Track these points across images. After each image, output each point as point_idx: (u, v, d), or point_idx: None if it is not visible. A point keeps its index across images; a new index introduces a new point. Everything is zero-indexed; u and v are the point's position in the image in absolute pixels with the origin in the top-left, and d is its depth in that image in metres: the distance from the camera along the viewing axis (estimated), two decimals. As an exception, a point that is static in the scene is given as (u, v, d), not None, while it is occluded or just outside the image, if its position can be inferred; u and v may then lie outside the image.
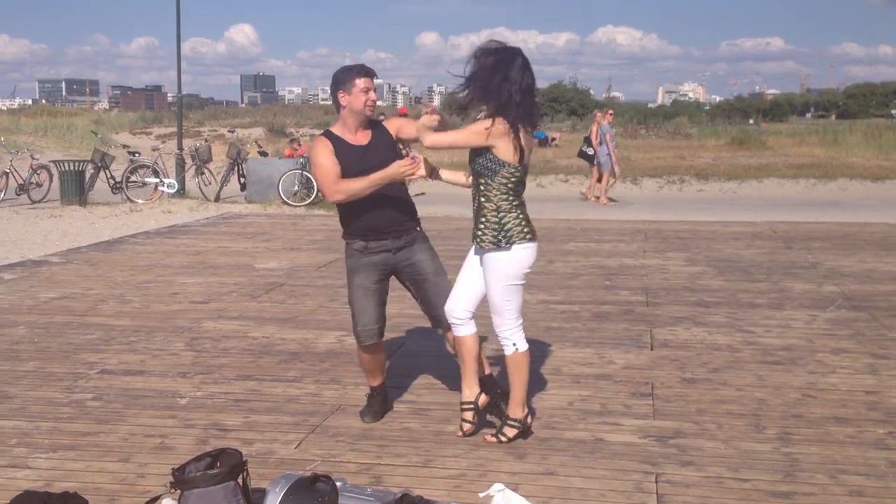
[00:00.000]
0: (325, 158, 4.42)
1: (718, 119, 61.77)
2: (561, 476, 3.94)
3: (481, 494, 3.60)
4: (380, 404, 4.73)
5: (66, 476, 3.94)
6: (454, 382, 5.19)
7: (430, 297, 4.55)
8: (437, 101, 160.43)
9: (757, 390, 5.20)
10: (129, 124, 43.55)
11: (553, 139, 35.71)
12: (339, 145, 4.44)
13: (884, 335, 6.49)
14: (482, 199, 4.20)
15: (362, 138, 4.49)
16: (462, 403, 4.43)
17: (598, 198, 18.23)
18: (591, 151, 17.92)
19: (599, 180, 18.31)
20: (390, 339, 6.32)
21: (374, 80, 4.46)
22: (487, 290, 4.25)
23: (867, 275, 8.98)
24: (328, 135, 4.52)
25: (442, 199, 15.51)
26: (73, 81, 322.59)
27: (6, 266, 9.72)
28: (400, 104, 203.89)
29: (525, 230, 4.19)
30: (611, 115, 18.86)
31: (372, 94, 4.43)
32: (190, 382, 5.40)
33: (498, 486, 3.57)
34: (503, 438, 4.31)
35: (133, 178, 18.52)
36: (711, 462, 4.09)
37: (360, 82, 4.39)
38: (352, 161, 4.39)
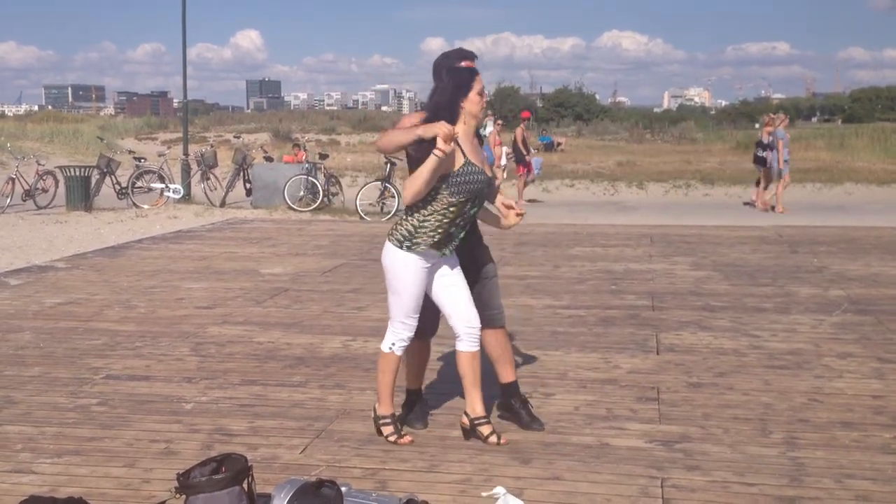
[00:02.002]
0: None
1: (724, 123, 61.71)
2: (567, 481, 3.93)
3: (484, 494, 3.59)
4: (421, 410, 4.74)
5: (71, 481, 3.94)
6: (459, 388, 5.18)
7: (485, 297, 4.52)
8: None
9: (763, 395, 5.18)
10: (135, 130, 43.70)
11: (559, 144, 35.74)
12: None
13: (890, 339, 6.47)
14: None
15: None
16: (476, 419, 4.41)
17: (773, 207, 17.62)
18: (766, 155, 17.42)
19: (762, 186, 17.85)
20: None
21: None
22: (468, 290, 4.35)
23: (873, 279, 8.96)
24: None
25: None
26: (79, 87, 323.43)
27: (12, 271, 9.74)
28: (405, 110, 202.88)
29: None
30: (786, 120, 18.30)
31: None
32: (195, 387, 5.40)
33: (499, 489, 3.56)
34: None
35: (139, 183, 18.58)
36: (717, 466, 4.08)
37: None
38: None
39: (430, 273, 4.27)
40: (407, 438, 4.40)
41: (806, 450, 4.29)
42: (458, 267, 4.37)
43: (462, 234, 4.26)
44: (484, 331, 4.44)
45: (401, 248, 4.20)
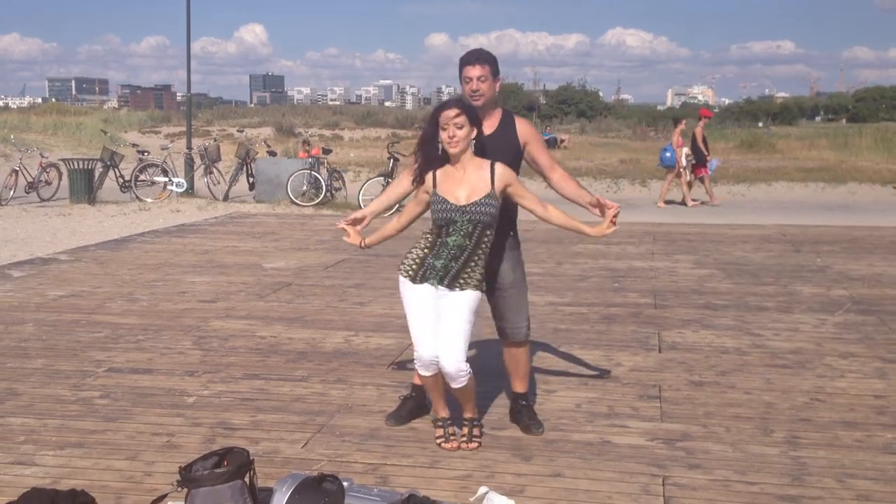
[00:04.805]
0: None
1: (728, 122, 61.60)
2: (568, 478, 3.93)
3: (472, 498, 3.60)
4: (409, 411, 4.68)
5: (74, 474, 3.95)
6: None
7: (501, 308, 4.50)
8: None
9: (765, 394, 5.18)
10: (139, 123, 43.59)
11: (562, 141, 35.72)
12: None
13: (892, 339, 6.46)
14: (483, 247, 4.19)
15: (483, 130, 4.36)
16: (441, 419, 4.39)
17: None
18: None
19: None
20: (397, 341, 6.32)
21: (476, 69, 4.32)
22: (459, 327, 4.14)
23: (876, 279, 8.95)
24: None
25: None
26: (83, 80, 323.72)
27: (15, 264, 9.75)
28: (409, 105, 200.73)
29: None
30: None
31: (474, 84, 4.32)
32: (197, 381, 5.41)
33: (483, 489, 3.57)
34: (476, 442, 4.32)
35: (142, 176, 18.55)
36: (719, 465, 4.08)
37: (465, 70, 4.35)
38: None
39: (426, 301, 4.20)
40: (453, 444, 4.31)
41: (808, 449, 4.29)
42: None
43: (440, 263, 4.16)
44: (503, 342, 4.56)
45: (399, 270, 4.31)
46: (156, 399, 5.05)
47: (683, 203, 18.28)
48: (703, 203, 18.44)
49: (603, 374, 5.56)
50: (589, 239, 4.55)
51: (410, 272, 4.22)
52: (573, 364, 5.79)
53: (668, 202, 18.50)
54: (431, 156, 4.22)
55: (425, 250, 4.22)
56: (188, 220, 14.55)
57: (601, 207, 4.28)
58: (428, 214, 4.33)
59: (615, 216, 4.23)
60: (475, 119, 4.18)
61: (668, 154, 17.89)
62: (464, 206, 4.13)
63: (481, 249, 4.19)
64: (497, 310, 4.52)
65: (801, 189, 21.62)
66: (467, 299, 4.17)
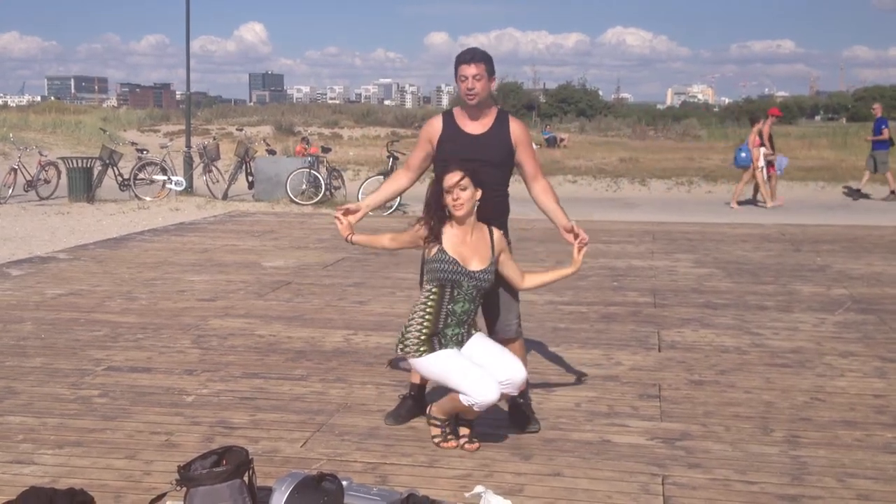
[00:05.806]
0: (420, 139, 4.52)
1: (727, 121, 61.55)
2: (567, 477, 3.93)
3: (467, 495, 3.59)
4: (408, 410, 4.67)
5: (72, 472, 3.94)
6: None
7: (492, 305, 4.50)
8: (445, 101, 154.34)
9: (765, 393, 5.18)
10: (138, 122, 43.53)
11: (561, 140, 35.71)
12: (450, 128, 4.45)
13: (892, 338, 6.46)
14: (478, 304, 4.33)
15: (478, 127, 4.42)
16: (438, 420, 4.36)
17: None
18: None
19: None
20: (396, 340, 6.31)
21: (472, 68, 4.31)
22: (498, 348, 4.30)
23: (876, 278, 8.95)
24: (444, 114, 4.55)
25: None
26: (83, 79, 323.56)
27: (14, 262, 9.74)
28: (408, 104, 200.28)
29: None
30: None
31: (469, 83, 4.32)
32: (196, 380, 5.40)
33: (479, 487, 3.57)
34: (477, 442, 4.30)
35: (141, 175, 18.54)
36: (719, 464, 4.07)
37: (461, 69, 4.35)
38: (456, 148, 4.37)
39: (454, 353, 4.21)
40: (451, 443, 4.30)
41: (807, 448, 4.28)
42: (478, 339, 4.30)
43: (452, 332, 4.20)
44: (498, 337, 4.52)
45: (398, 348, 4.33)
46: (155, 398, 5.04)
47: (762, 202, 17.74)
48: (758, 203, 18.00)
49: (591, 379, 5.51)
50: (588, 237, 4.55)
51: (420, 350, 4.21)
52: (572, 363, 5.78)
53: (741, 203, 17.99)
54: (441, 217, 4.25)
55: (426, 321, 4.20)
56: (187, 218, 14.54)
57: (574, 234, 4.42)
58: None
59: (583, 246, 4.41)
60: (478, 181, 4.22)
61: (743, 154, 17.45)
62: (473, 272, 4.21)
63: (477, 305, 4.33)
64: (487, 306, 4.52)
65: (800, 188, 21.61)
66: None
